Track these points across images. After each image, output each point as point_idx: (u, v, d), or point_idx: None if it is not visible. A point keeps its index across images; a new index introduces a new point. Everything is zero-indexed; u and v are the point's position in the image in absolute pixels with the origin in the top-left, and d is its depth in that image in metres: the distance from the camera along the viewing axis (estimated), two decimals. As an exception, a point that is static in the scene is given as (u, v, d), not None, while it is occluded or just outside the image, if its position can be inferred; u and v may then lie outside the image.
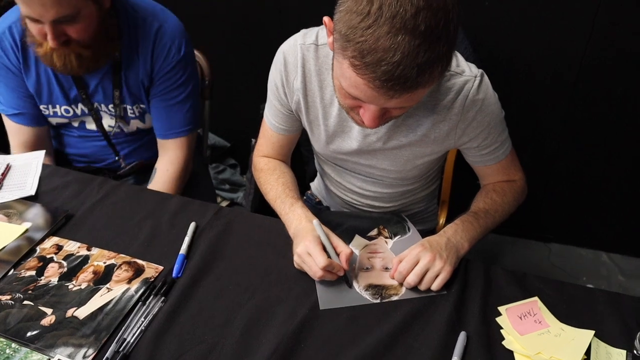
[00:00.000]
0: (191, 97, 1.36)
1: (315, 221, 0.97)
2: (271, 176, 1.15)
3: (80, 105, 1.34)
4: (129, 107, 1.35)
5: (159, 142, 1.40)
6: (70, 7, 1.08)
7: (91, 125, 1.39)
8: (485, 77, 0.98)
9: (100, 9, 1.16)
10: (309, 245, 0.92)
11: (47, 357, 0.82)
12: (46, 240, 1.05)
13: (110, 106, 1.34)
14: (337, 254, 0.94)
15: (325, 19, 0.82)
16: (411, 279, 0.92)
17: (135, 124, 1.40)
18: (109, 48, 1.22)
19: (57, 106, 1.33)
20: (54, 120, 1.37)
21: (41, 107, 1.33)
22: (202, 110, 1.59)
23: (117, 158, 1.45)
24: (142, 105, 1.36)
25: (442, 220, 1.42)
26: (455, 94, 0.96)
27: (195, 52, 1.56)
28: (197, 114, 1.41)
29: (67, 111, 1.34)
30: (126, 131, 1.41)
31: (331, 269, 0.91)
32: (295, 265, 0.96)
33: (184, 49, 1.30)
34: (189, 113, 1.37)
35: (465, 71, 0.96)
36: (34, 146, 1.36)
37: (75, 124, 1.39)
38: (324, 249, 0.93)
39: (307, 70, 1.03)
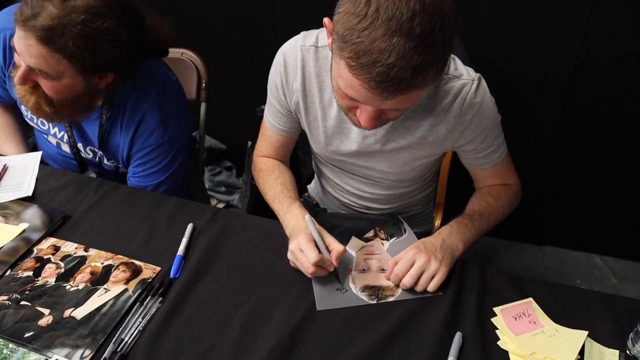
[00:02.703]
0: (171, 179, 1.28)
1: (307, 217, 0.98)
2: (270, 176, 1.16)
3: (56, 129, 1.30)
4: (105, 159, 1.32)
5: None
6: (52, 69, 1.03)
7: (66, 148, 1.34)
8: (483, 81, 0.99)
9: (89, 85, 1.10)
10: (302, 242, 0.93)
11: (45, 358, 0.82)
12: (43, 241, 1.05)
13: (89, 148, 1.31)
14: (329, 251, 0.95)
15: (326, 20, 0.83)
16: (407, 281, 0.93)
17: (110, 167, 1.36)
18: (77, 115, 1.18)
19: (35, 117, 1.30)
20: (30, 123, 1.35)
21: (22, 108, 1.30)
22: (198, 113, 1.60)
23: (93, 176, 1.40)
24: (114, 164, 1.33)
25: (437, 223, 1.43)
26: (453, 97, 0.97)
27: (192, 54, 1.56)
28: (176, 189, 1.32)
29: (43, 123, 1.31)
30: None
31: (322, 264, 0.92)
32: (290, 263, 0.97)
33: (170, 132, 1.22)
34: (165, 192, 1.29)
35: (463, 74, 0.97)
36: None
37: (52, 142, 1.36)
38: (317, 245, 0.94)
39: (307, 71, 1.04)
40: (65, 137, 1.30)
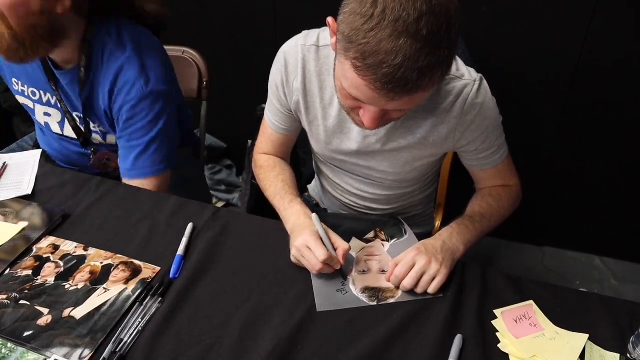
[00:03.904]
0: (159, 137, 1.24)
1: (314, 216, 0.98)
2: (271, 173, 1.16)
3: (48, 95, 1.29)
4: (91, 124, 1.30)
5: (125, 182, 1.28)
6: None
7: (56, 127, 1.34)
8: (484, 82, 0.99)
9: (44, 1, 1.07)
10: (309, 239, 0.93)
11: (44, 357, 0.82)
12: (42, 239, 1.05)
13: (75, 114, 1.29)
14: (335, 249, 0.95)
15: (329, 19, 0.83)
16: (407, 283, 0.92)
17: (97, 138, 1.34)
18: (41, 47, 1.13)
19: (25, 86, 1.30)
20: (21, 100, 1.35)
21: (13, 80, 1.31)
22: (199, 112, 1.59)
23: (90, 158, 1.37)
24: (101, 129, 1.31)
25: (438, 223, 1.42)
26: (454, 97, 0.97)
27: (193, 52, 1.56)
28: (168, 154, 1.28)
29: (33, 93, 1.30)
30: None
31: (330, 262, 0.92)
32: (293, 259, 0.97)
33: (153, 85, 1.19)
34: (156, 154, 1.25)
35: (464, 75, 0.97)
36: None
37: (41, 118, 1.34)
38: (322, 243, 0.94)
39: (308, 71, 1.04)
40: (56, 101, 1.28)
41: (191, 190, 1.45)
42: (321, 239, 0.95)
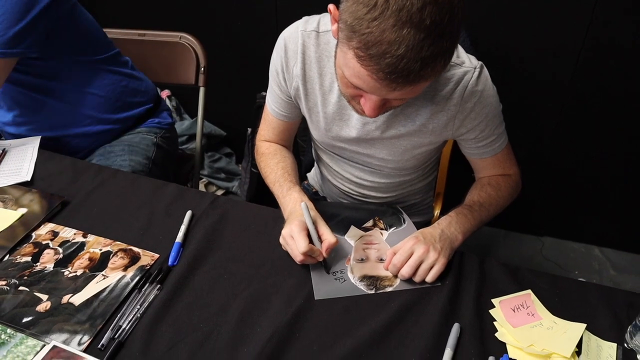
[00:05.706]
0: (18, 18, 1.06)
1: (303, 204, 0.97)
2: (272, 160, 1.16)
3: None
4: None
5: None
6: None
7: None
8: (485, 69, 0.98)
9: None
10: (294, 229, 0.93)
11: (43, 343, 0.82)
12: (42, 226, 1.05)
13: None
14: (322, 240, 0.95)
15: (331, 6, 0.82)
16: (405, 271, 0.93)
17: None
18: None
19: None
20: None
21: None
22: (197, 98, 1.59)
23: None
24: None
25: (437, 212, 1.42)
26: (454, 85, 0.96)
27: (191, 37, 1.55)
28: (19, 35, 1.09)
29: None
30: None
31: (312, 253, 0.92)
32: (282, 247, 0.98)
33: None
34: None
35: (465, 62, 0.96)
36: None
37: None
38: (308, 233, 0.94)
39: (307, 56, 1.03)
40: None
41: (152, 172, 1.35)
42: (307, 230, 0.94)
